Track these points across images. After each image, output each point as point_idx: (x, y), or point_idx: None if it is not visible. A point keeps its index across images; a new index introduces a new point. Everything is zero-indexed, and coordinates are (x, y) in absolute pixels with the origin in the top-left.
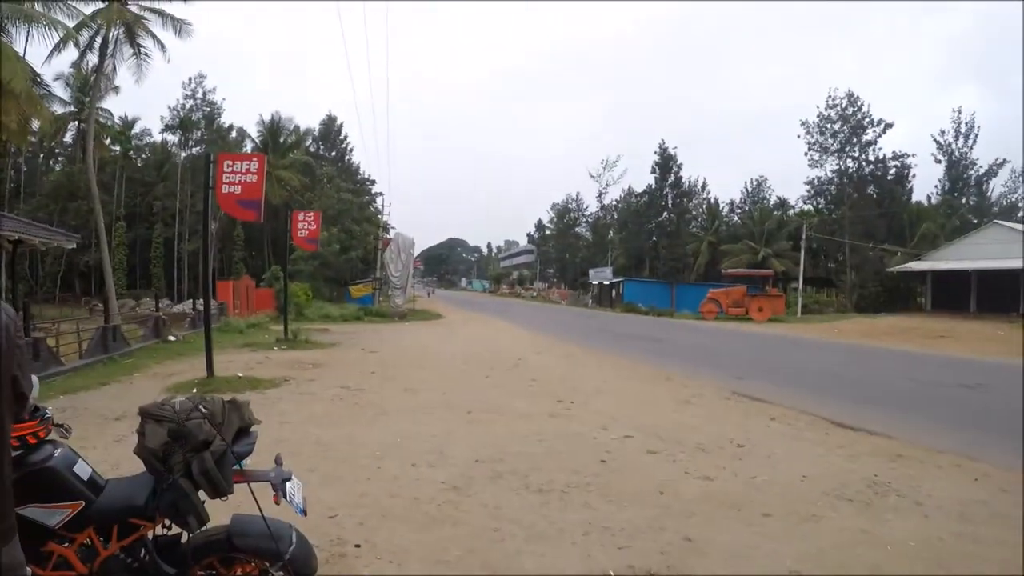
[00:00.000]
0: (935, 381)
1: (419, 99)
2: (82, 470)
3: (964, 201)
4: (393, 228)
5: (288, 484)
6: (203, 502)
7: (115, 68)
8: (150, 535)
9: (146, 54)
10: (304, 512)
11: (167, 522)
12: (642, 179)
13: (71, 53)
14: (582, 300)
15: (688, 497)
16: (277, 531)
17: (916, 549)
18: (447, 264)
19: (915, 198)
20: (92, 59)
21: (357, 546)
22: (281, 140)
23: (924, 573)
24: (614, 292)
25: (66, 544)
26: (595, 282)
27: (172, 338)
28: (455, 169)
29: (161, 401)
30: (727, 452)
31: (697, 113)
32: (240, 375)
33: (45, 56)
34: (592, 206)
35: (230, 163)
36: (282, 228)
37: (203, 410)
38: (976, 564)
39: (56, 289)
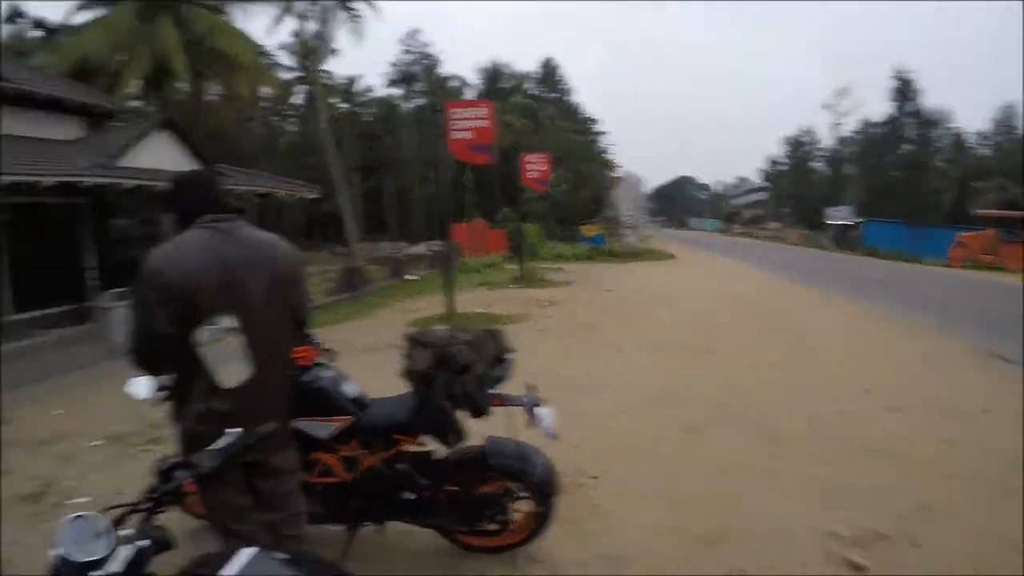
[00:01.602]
0: None
1: (643, 32)
2: (350, 389)
3: None
4: (620, 167)
5: (539, 409)
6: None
7: (332, 33)
8: (409, 450)
9: (358, 15)
10: (555, 436)
11: (422, 439)
12: (878, 110)
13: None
14: (818, 241)
15: (929, 461)
16: (528, 453)
17: None
18: (677, 202)
19: None
20: (310, 26)
21: (594, 477)
22: (500, 86)
23: None
24: (853, 233)
25: (332, 454)
26: (832, 222)
27: (410, 277)
28: (683, 105)
29: (424, 330)
30: (973, 418)
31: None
32: (481, 311)
33: (267, 29)
34: (826, 139)
35: (458, 111)
36: (510, 171)
37: (464, 337)
38: None
39: (300, 238)
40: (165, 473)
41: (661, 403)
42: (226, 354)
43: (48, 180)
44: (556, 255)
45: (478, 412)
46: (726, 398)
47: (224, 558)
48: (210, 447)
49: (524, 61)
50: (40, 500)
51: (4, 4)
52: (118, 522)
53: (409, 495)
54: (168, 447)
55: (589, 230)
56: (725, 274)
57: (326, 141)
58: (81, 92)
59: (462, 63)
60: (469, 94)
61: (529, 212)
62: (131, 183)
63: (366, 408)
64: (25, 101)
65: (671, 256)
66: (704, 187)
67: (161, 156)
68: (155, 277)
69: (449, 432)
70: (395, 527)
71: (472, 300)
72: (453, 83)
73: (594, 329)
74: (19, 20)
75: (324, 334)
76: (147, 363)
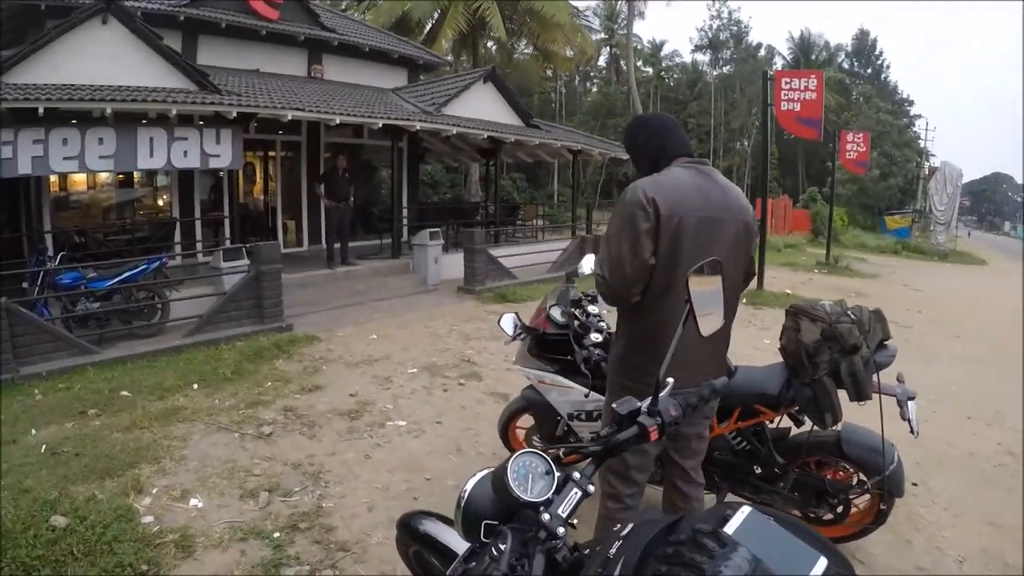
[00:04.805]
0: None
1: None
2: None
3: None
4: (933, 156)
5: (911, 403)
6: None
7: None
8: (768, 424)
9: None
10: (916, 433)
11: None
12: None
13: None
14: None
15: None
16: (883, 447)
17: None
18: (989, 203)
19: None
20: None
21: (914, 484)
22: (812, 57)
23: None
24: None
25: None
26: None
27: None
28: (1004, 88)
29: (812, 302)
30: None
31: None
32: (788, 292)
33: None
34: None
35: (788, 80)
36: (816, 149)
37: (852, 316)
38: None
39: (596, 196)
40: (628, 417)
41: (979, 420)
42: (709, 297)
43: (378, 123)
44: (859, 244)
45: (860, 396)
46: None
47: (719, 515)
48: (671, 394)
49: (837, 31)
50: (357, 418)
51: None
52: (557, 461)
53: (757, 469)
54: (483, 385)
55: (895, 222)
56: None
57: (637, 104)
58: (404, 45)
59: (770, 30)
60: (778, 65)
61: (835, 195)
62: (454, 130)
63: (731, 374)
64: (351, 51)
65: (983, 262)
66: (1022, 188)
67: (481, 107)
68: (648, 206)
69: (827, 412)
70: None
71: (777, 280)
72: (763, 53)
73: (905, 330)
74: None
75: None
76: (620, 293)
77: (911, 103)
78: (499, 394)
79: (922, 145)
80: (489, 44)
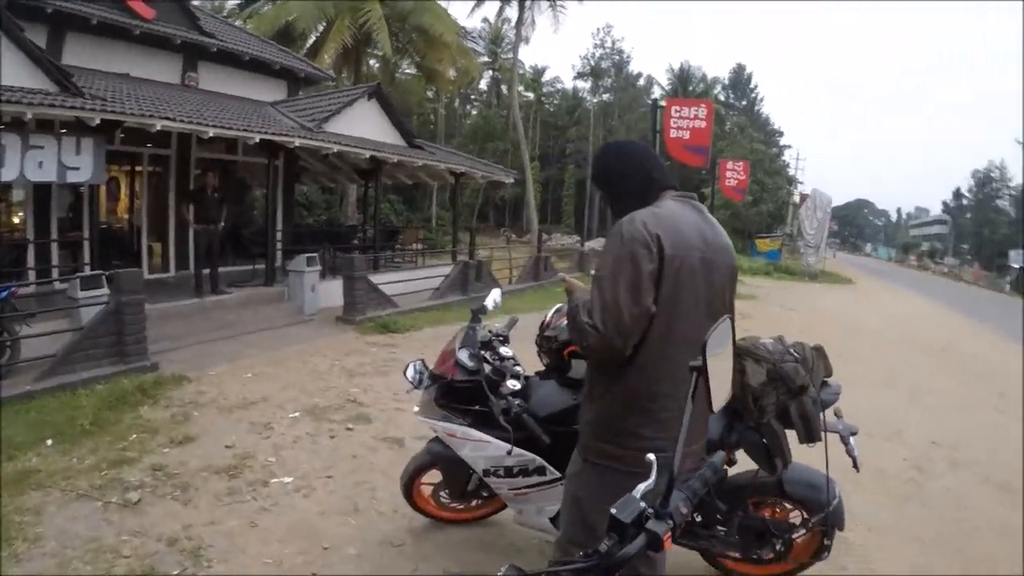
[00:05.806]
0: None
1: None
2: None
3: None
4: (801, 184)
5: (853, 438)
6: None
7: (533, 20)
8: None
9: (561, 6)
10: (859, 467)
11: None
12: None
13: (485, 9)
14: (998, 284)
15: None
16: (822, 483)
17: None
18: (852, 227)
19: None
20: (508, 12)
21: None
22: (690, 88)
23: None
24: None
25: None
26: (1016, 265)
27: (594, 272)
28: (869, 123)
29: (752, 340)
30: None
31: None
32: None
33: (468, 11)
34: (1017, 177)
35: (678, 108)
36: (691, 175)
37: (795, 354)
38: None
39: (473, 219)
40: (633, 525)
41: (880, 437)
42: (720, 363)
43: (255, 137)
44: None
45: (812, 438)
46: (943, 439)
47: None
48: (684, 489)
49: (715, 65)
50: (237, 475)
51: None
52: None
53: (697, 518)
54: (373, 429)
55: (765, 245)
56: (906, 306)
57: (519, 128)
58: (286, 56)
59: (652, 62)
60: (656, 94)
61: None
62: (335, 148)
63: None
64: (229, 59)
65: (849, 281)
66: (882, 213)
67: (364, 125)
68: (652, 244)
69: (777, 456)
70: None
71: None
72: (642, 82)
73: None
74: None
75: (522, 321)
76: (615, 345)
77: (781, 134)
78: (392, 439)
79: (791, 173)
80: (372, 62)
